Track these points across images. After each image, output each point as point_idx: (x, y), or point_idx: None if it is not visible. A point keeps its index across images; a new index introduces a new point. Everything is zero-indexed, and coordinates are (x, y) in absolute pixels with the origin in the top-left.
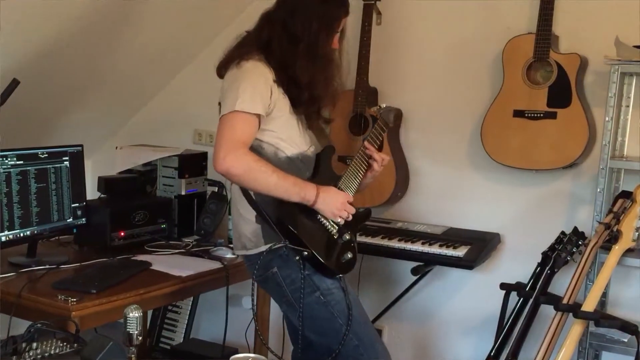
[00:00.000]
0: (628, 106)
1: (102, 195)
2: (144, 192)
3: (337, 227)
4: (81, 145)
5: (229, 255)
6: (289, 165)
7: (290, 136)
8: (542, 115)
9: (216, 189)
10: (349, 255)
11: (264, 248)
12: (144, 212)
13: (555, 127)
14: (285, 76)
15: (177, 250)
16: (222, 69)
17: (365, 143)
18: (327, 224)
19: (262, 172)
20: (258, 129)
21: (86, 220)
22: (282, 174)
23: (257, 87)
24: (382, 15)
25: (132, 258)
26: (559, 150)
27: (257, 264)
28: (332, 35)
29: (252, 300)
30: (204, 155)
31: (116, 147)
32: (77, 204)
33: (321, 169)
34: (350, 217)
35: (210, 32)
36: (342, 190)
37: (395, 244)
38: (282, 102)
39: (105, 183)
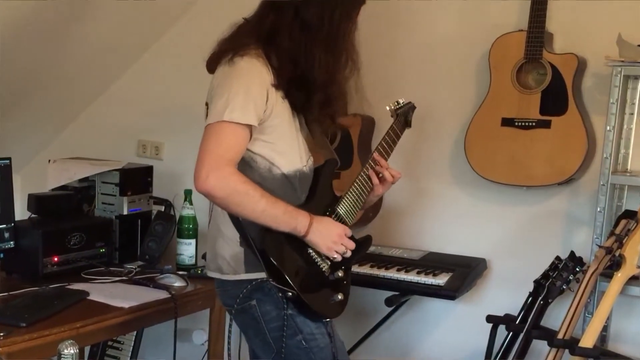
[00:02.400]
0: (632, 114)
1: (33, 216)
2: (80, 212)
3: (329, 263)
4: (9, 159)
5: (178, 284)
6: (284, 184)
7: (288, 150)
8: (534, 124)
9: (163, 208)
10: (339, 297)
11: (243, 277)
12: (80, 235)
13: (549, 138)
14: (293, 74)
15: (118, 278)
16: (212, 64)
17: (375, 155)
18: (318, 258)
19: (249, 197)
20: (249, 141)
21: (14, 243)
22: (272, 200)
23: (251, 91)
24: None
25: (67, 287)
26: (554, 164)
27: (237, 296)
28: (352, 26)
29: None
30: (148, 170)
31: (49, 161)
32: (4, 225)
33: (319, 189)
34: (349, 253)
35: (155, 32)
36: (341, 217)
37: (366, 270)
38: (280, 108)
39: (36, 201)
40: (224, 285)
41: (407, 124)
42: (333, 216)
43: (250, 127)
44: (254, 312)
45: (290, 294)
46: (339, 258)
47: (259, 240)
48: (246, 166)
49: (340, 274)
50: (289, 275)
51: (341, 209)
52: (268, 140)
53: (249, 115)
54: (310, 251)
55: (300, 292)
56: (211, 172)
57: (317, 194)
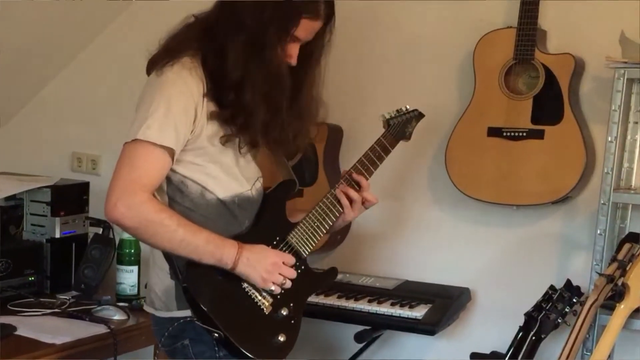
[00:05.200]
0: (637, 122)
1: None
2: (6, 235)
3: (271, 299)
4: None
5: (118, 317)
6: (220, 211)
7: (222, 173)
8: (525, 134)
9: (100, 231)
10: (281, 338)
11: (175, 314)
12: (6, 261)
13: (542, 150)
14: (220, 73)
15: (49, 310)
16: (149, 68)
17: (354, 175)
18: (256, 294)
19: (163, 227)
20: (171, 164)
21: None
22: (193, 229)
23: (174, 108)
24: None
25: None
26: (548, 180)
27: (166, 331)
28: (282, 34)
29: None
30: (84, 187)
31: None
32: None
33: (267, 215)
34: (288, 283)
35: (89, 30)
36: (293, 246)
37: (333, 302)
38: (212, 126)
39: None
40: (157, 322)
41: (404, 135)
42: (282, 245)
43: (170, 149)
44: (187, 353)
45: (216, 334)
46: (277, 290)
47: (184, 272)
48: (176, 191)
49: (284, 312)
50: (215, 314)
51: (293, 237)
52: (198, 162)
53: (168, 136)
54: (245, 285)
55: (229, 332)
56: (120, 200)
57: (263, 220)
